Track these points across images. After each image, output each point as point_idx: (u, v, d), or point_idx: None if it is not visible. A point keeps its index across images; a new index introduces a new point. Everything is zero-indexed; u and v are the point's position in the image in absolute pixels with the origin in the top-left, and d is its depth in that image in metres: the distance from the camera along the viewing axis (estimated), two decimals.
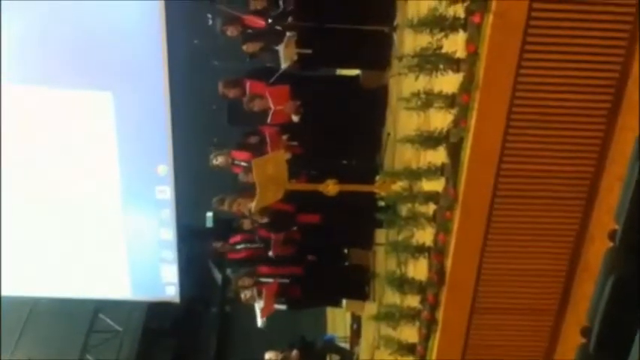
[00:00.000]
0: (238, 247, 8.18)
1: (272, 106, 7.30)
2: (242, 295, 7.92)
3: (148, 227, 9.97)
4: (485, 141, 4.35)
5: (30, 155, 9.45)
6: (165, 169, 9.55)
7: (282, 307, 8.02)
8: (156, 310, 11.66)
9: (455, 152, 4.60)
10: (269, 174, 5.95)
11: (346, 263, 8.62)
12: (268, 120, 7.41)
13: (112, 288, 10.54)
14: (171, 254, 10.10)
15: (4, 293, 10.33)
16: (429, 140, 4.80)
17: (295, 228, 7.79)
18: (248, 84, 7.47)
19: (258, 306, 7.92)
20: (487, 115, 4.25)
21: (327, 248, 8.38)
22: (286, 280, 7.90)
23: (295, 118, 7.41)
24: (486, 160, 4.41)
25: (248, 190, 7.40)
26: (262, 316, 7.94)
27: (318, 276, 8.08)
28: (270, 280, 7.90)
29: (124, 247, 10.15)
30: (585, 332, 3.18)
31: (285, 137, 7.61)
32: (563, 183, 4.44)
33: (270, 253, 7.86)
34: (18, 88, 9.01)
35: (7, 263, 10.10)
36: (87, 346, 11.89)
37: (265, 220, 7.64)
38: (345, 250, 8.64)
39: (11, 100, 9.04)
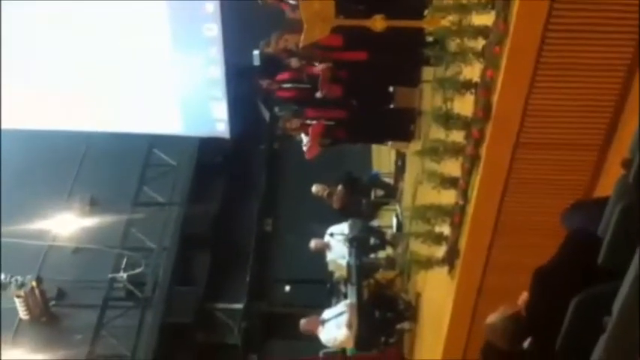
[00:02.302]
0: (286, 85, 8.24)
1: None
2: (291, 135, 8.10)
3: (197, 64, 10.07)
4: None
5: None
6: (212, 6, 9.49)
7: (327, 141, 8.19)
8: (207, 146, 12.02)
9: None
10: (316, 10, 5.88)
11: (392, 105, 8.64)
12: None
13: (164, 123, 10.86)
14: (220, 91, 10.27)
15: (59, 127, 10.71)
16: None
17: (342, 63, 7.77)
18: None
19: (305, 141, 8.12)
20: None
21: (373, 87, 8.38)
22: (332, 123, 8.01)
23: None
24: None
25: (295, 27, 7.36)
26: (308, 156, 8.14)
27: (364, 119, 8.15)
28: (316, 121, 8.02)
29: (174, 84, 10.33)
30: (626, 164, 3.22)
31: None
32: (613, 16, 4.33)
33: (318, 94, 7.90)
34: None
35: (62, 99, 10.41)
36: (143, 179, 12.45)
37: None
38: (391, 89, 8.63)
39: None
